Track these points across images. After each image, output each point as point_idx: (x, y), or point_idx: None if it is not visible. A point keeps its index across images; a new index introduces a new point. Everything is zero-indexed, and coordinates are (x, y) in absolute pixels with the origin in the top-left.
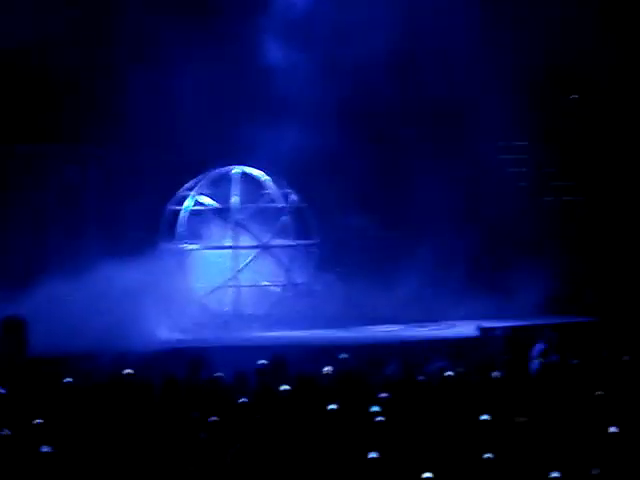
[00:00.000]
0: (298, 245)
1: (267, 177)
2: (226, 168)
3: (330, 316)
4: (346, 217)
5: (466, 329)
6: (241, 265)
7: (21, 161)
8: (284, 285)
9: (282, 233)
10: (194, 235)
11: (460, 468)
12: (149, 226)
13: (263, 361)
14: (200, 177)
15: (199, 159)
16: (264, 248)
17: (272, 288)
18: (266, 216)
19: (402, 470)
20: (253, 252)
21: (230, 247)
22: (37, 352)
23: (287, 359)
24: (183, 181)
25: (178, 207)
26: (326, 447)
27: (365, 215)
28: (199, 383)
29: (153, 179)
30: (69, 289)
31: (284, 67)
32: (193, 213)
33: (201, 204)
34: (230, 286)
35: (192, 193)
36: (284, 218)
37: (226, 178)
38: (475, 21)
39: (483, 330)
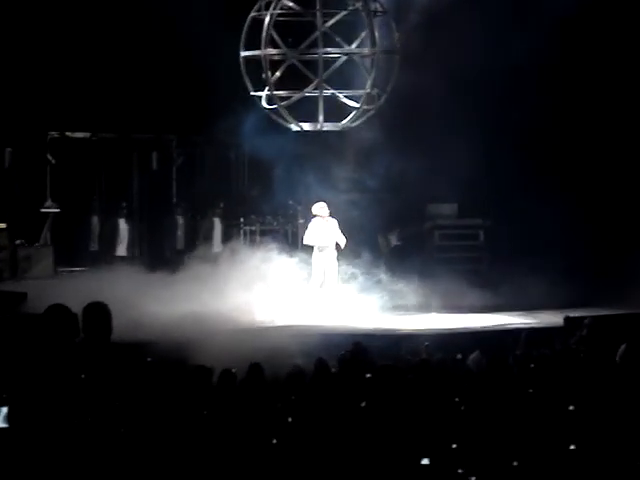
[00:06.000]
0: (381, 53)
1: None
2: None
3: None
4: None
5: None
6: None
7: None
8: (367, 94)
9: (366, 41)
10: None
11: (546, 459)
12: None
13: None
14: None
15: None
16: (349, 55)
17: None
18: (350, 25)
19: (484, 458)
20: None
21: (315, 53)
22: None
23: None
24: None
25: (262, 13)
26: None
27: None
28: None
29: None
30: None
31: None
32: (277, 18)
33: (288, 7)
34: (314, 94)
35: None
36: (368, 27)
37: None
38: None
39: (569, 320)
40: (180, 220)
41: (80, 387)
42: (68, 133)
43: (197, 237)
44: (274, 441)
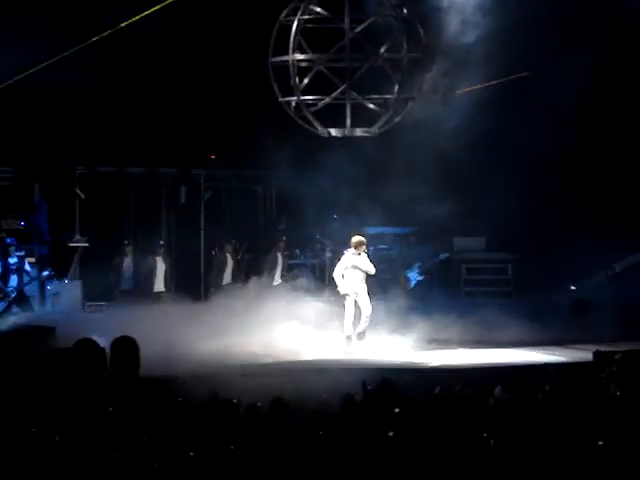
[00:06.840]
0: (409, 59)
1: None
2: None
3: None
4: None
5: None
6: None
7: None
8: (394, 99)
9: (394, 47)
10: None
11: None
12: None
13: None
14: None
15: None
16: (376, 61)
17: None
18: (378, 31)
19: None
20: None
21: (343, 59)
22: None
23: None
24: None
25: (291, 18)
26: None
27: None
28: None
29: None
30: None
31: None
32: (306, 23)
33: (316, 13)
34: (340, 101)
35: (304, 4)
36: (396, 33)
37: None
38: None
39: (599, 354)
40: (229, 257)
41: (108, 421)
42: (96, 168)
43: (258, 272)
44: (299, 477)
